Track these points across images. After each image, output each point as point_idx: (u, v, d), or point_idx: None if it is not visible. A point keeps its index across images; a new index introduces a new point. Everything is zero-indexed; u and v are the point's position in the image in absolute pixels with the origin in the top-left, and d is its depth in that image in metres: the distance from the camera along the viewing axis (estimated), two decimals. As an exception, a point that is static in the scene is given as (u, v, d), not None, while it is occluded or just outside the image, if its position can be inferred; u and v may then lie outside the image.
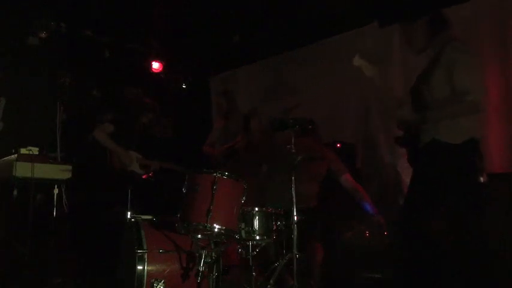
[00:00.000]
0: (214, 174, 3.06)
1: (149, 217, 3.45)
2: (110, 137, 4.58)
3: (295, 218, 3.29)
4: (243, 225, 3.27)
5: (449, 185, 2.97)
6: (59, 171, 4.48)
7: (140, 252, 3.15)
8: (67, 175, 4.51)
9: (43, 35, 5.49)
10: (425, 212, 3.15)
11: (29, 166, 4.24)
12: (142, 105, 5.08)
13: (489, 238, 2.99)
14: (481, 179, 3.06)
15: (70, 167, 4.56)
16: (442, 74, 3.00)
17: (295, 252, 3.23)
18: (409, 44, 3.34)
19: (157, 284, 3.04)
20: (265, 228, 3.34)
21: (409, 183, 3.27)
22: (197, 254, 3.06)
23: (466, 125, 2.99)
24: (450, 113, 3.00)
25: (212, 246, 3.25)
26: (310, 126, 3.57)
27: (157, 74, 6.70)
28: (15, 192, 4.23)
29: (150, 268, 3.15)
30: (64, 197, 4.46)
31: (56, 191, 4.43)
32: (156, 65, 6.62)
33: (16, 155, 4.33)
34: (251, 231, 3.30)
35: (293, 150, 3.41)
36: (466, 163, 2.98)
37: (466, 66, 2.97)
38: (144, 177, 4.85)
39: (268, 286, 3.19)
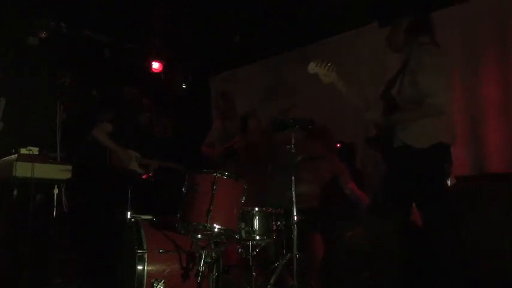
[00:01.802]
0: (214, 174, 3.06)
1: (149, 217, 3.45)
2: (109, 137, 4.58)
3: (295, 218, 3.29)
4: (243, 225, 3.27)
5: (417, 189, 2.96)
6: (59, 171, 4.47)
7: (140, 252, 3.15)
8: (67, 175, 4.50)
9: (43, 35, 5.48)
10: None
11: (29, 166, 4.23)
12: (140, 105, 5.09)
13: (478, 239, 2.99)
14: (449, 182, 3.06)
15: (70, 167, 4.54)
16: (409, 77, 2.98)
17: (295, 252, 3.22)
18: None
19: (157, 284, 3.04)
20: (265, 228, 3.34)
21: (382, 183, 3.26)
22: (197, 254, 3.06)
23: (433, 129, 2.97)
24: (414, 116, 2.98)
25: (212, 246, 3.25)
26: (310, 126, 3.55)
27: (157, 74, 6.70)
28: (15, 192, 4.21)
29: (150, 268, 3.14)
30: (64, 197, 4.46)
31: (56, 191, 4.41)
32: (156, 65, 6.62)
33: (16, 155, 4.32)
34: (251, 231, 3.30)
35: (293, 151, 3.41)
36: (433, 167, 2.96)
37: (431, 68, 2.94)
38: (144, 177, 4.85)
39: (268, 286, 3.19)
